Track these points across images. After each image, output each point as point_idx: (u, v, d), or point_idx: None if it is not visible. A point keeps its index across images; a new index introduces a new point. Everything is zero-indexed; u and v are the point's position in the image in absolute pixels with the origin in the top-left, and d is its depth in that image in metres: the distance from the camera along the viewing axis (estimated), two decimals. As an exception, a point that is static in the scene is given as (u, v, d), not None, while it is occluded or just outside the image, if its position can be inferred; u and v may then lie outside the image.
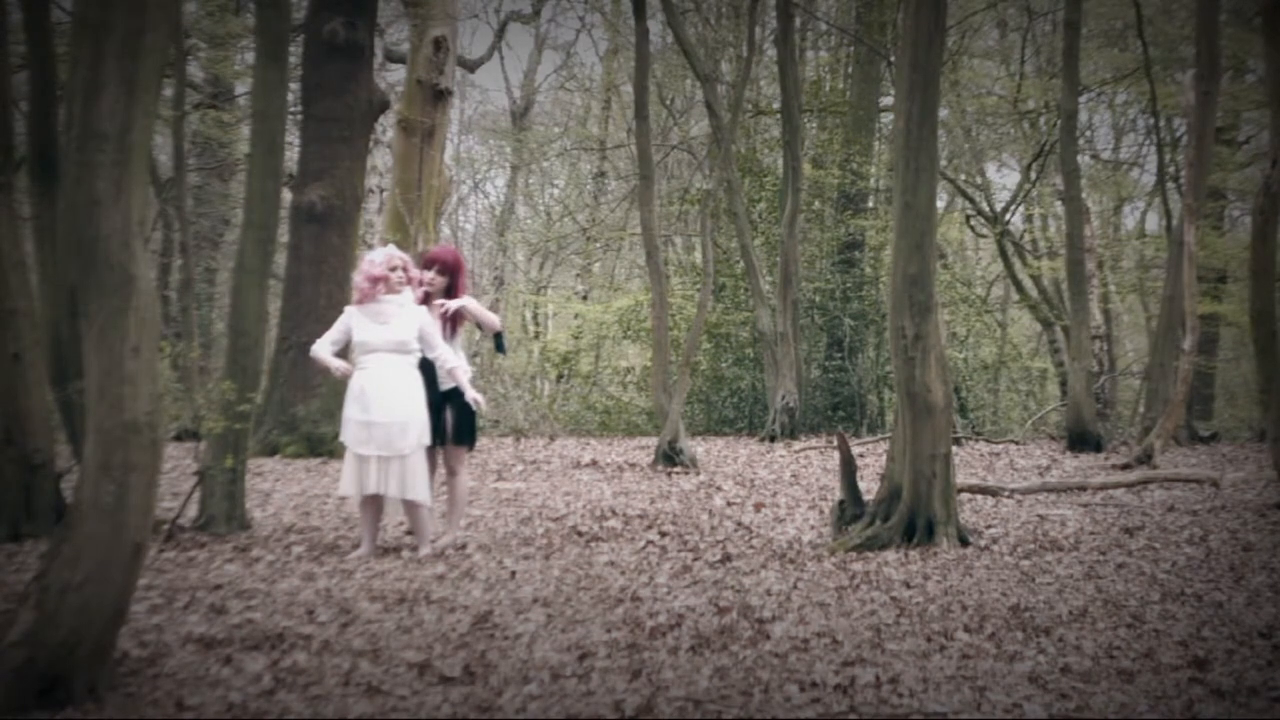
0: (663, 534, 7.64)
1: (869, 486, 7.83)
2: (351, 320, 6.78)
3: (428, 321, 6.83)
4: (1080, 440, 13.81)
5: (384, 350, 6.67)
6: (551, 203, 27.75)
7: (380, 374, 6.65)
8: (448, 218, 27.59)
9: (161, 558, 6.44)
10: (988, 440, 14.99)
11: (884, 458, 8.80)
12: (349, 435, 6.66)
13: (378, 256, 6.84)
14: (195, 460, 7.38)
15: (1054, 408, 19.03)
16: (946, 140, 21.22)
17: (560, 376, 19.43)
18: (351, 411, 6.64)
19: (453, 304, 7.00)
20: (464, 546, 7.01)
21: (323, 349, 6.79)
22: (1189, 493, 9.92)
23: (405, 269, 6.84)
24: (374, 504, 6.73)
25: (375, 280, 6.72)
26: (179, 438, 11.57)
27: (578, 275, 25.10)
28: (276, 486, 9.59)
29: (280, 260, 13.21)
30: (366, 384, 6.64)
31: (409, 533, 7.26)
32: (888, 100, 19.19)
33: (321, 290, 12.21)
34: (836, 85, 20.60)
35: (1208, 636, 4.98)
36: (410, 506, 6.76)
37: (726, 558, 6.78)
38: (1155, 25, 18.69)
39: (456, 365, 6.85)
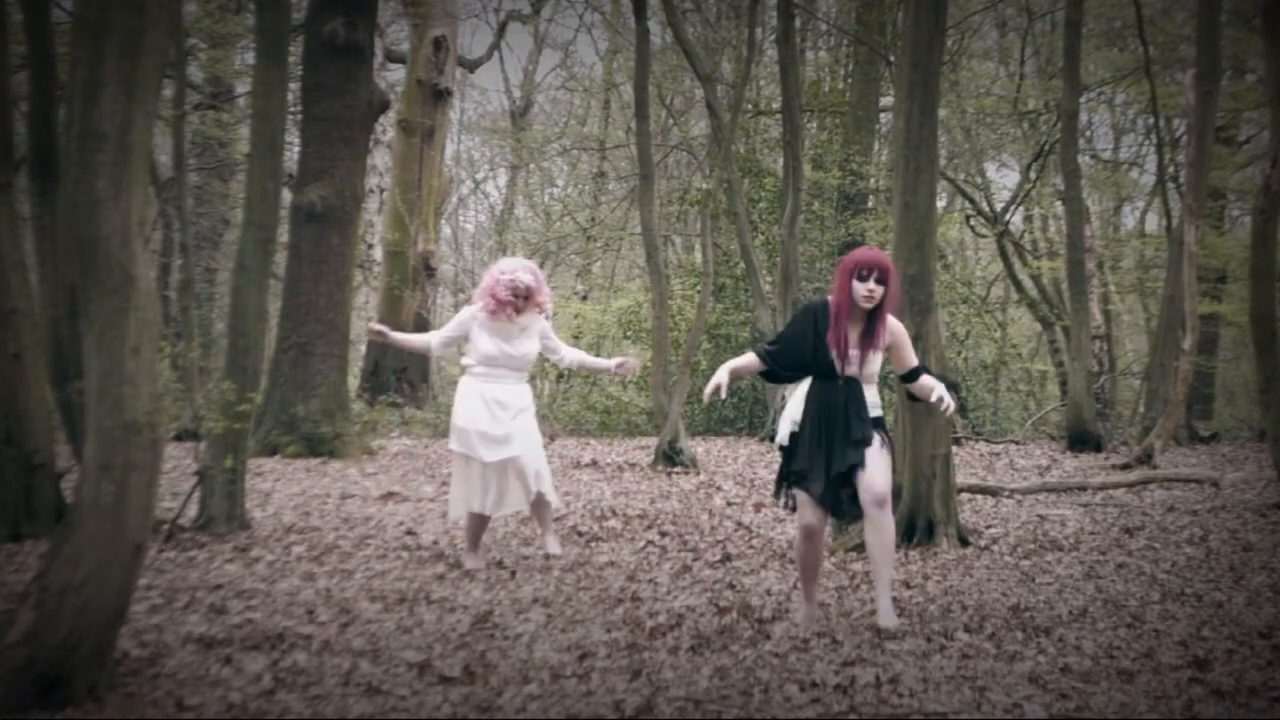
0: (663, 534, 7.64)
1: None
2: (474, 327, 6.51)
3: (546, 327, 6.68)
4: (1080, 440, 13.80)
5: (509, 367, 6.50)
6: (551, 203, 27.73)
7: (506, 388, 6.47)
8: (448, 218, 27.59)
9: (161, 558, 6.44)
10: (988, 440, 14.98)
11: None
12: (477, 446, 6.39)
13: (504, 277, 6.43)
14: (195, 460, 7.37)
15: (1054, 408, 19.03)
16: (946, 140, 21.21)
17: (560, 376, 19.41)
18: (479, 423, 6.39)
19: None
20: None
21: (429, 338, 6.71)
22: (1189, 493, 9.92)
23: (530, 295, 6.45)
24: (484, 517, 6.57)
25: (501, 304, 6.42)
26: (179, 438, 11.57)
27: (578, 275, 25.08)
28: (276, 486, 9.58)
29: (280, 260, 13.21)
30: (488, 396, 6.43)
31: (408, 533, 7.25)
32: (888, 100, 19.19)
33: (321, 290, 12.19)
34: (836, 85, 20.60)
35: (1208, 636, 4.98)
36: (542, 503, 6.62)
37: (726, 558, 6.78)
38: (1155, 25, 18.68)
39: (580, 356, 6.89)
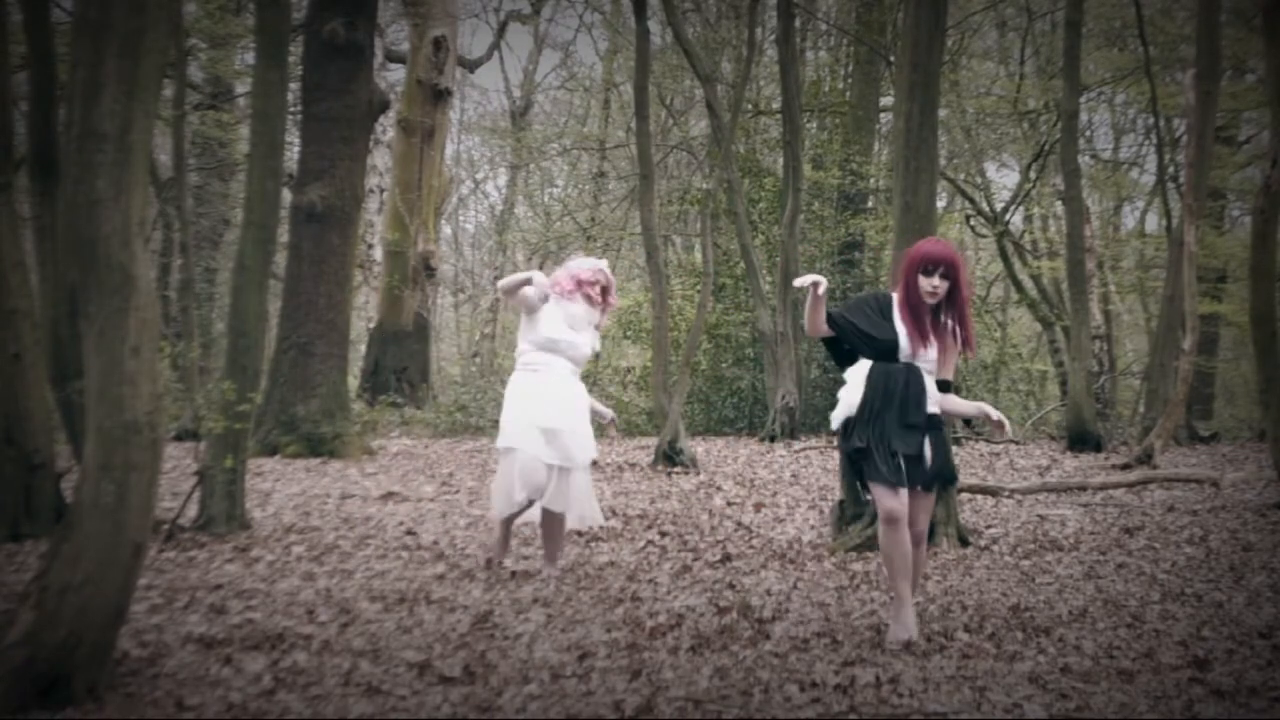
0: (663, 534, 7.64)
1: (869, 486, 7.81)
2: (545, 305, 6.19)
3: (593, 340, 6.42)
4: (1080, 440, 13.81)
5: (567, 356, 6.18)
6: (551, 203, 27.74)
7: (562, 383, 6.15)
8: (448, 218, 27.61)
9: (161, 558, 6.44)
10: (988, 440, 14.99)
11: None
12: (530, 441, 6.04)
13: (583, 266, 6.33)
14: (195, 460, 7.38)
15: (1054, 408, 19.03)
16: (946, 140, 21.20)
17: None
18: (532, 416, 6.04)
19: None
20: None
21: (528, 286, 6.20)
22: (1189, 493, 9.92)
23: (606, 290, 6.33)
24: (516, 517, 6.31)
25: (579, 283, 6.23)
26: (179, 438, 11.57)
27: (578, 275, 25.06)
28: (276, 486, 9.59)
29: (280, 260, 13.21)
30: (547, 390, 6.10)
31: (408, 533, 7.23)
32: (888, 100, 19.18)
33: (321, 290, 12.20)
34: (836, 85, 20.59)
35: (1208, 636, 4.98)
36: (559, 521, 6.23)
37: (726, 558, 6.78)
38: (1155, 25, 18.68)
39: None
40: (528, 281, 6.18)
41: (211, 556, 6.55)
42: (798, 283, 4.74)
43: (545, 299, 6.19)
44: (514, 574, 6.26)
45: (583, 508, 6.25)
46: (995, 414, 4.93)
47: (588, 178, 26.16)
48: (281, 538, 7.21)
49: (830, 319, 4.88)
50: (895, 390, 4.82)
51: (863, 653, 4.69)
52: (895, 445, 4.79)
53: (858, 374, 4.93)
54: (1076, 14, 15.04)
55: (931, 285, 4.79)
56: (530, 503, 6.14)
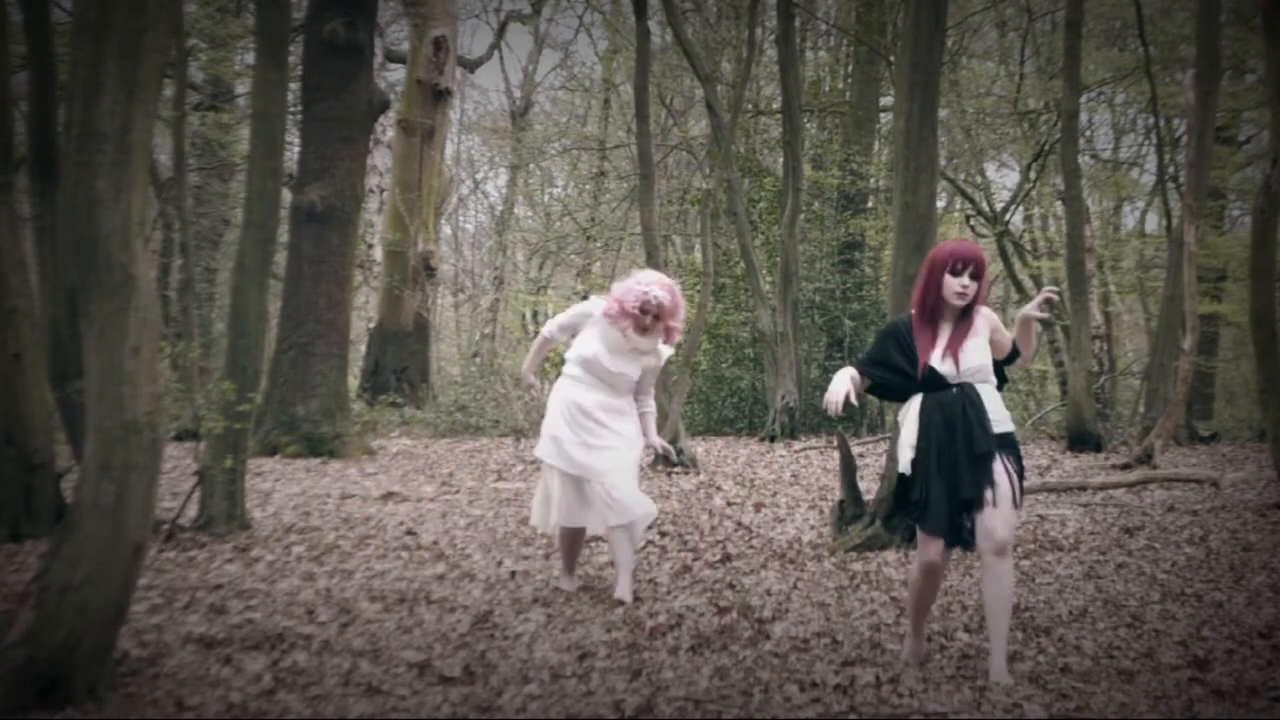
0: (663, 534, 7.64)
1: (869, 486, 7.83)
2: (596, 330, 5.87)
3: (658, 364, 5.95)
4: (1080, 440, 13.80)
5: (604, 379, 5.81)
6: (551, 203, 27.75)
7: (600, 397, 5.82)
8: (448, 218, 27.60)
9: (161, 558, 6.44)
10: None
11: (884, 458, 8.81)
12: (576, 458, 5.75)
13: (638, 288, 5.79)
14: (195, 460, 7.38)
15: (1054, 408, 19.02)
16: (946, 140, 21.20)
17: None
18: (579, 434, 5.76)
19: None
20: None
21: (541, 348, 6.10)
22: (1189, 493, 9.92)
23: (659, 315, 5.76)
24: (581, 533, 6.01)
25: (625, 314, 5.76)
26: (179, 438, 11.57)
27: (578, 275, 25.08)
28: (276, 486, 9.59)
29: (280, 260, 13.21)
30: (584, 404, 5.79)
31: (408, 533, 7.22)
32: (888, 100, 19.18)
33: (321, 290, 12.20)
34: (836, 85, 20.60)
35: (1208, 636, 4.99)
36: (621, 539, 5.81)
37: (726, 558, 6.78)
38: (1155, 25, 18.69)
39: (649, 421, 6.03)
40: (546, 341, 6.09)
41: (211, 556, 6.56)
42: (834, 408, 4.37)
43: (569, 332, 5.96)
44: (514, 574, 6.26)
45: (631, 510, 5.71)
46: (1035, 312, 4.46)
47: (588, 178, 26.16)
48: (281, 538, 7.21)
49: (867, 376, 4.55)
50: (955, 421, 4.39)
51: (863, 653, 4.69)
52: (964, 493, 4.35)
53: (912, 410, 4.52)
54: (1076, 14, 15.03)
55: (961, 285, 4.39)
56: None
